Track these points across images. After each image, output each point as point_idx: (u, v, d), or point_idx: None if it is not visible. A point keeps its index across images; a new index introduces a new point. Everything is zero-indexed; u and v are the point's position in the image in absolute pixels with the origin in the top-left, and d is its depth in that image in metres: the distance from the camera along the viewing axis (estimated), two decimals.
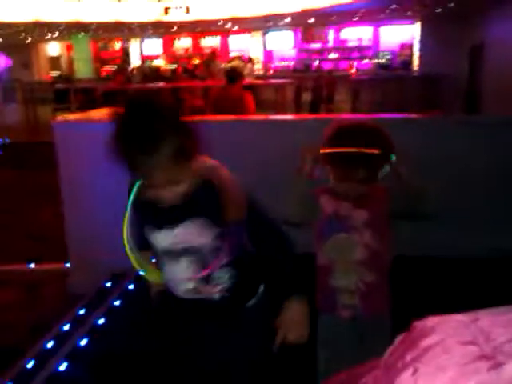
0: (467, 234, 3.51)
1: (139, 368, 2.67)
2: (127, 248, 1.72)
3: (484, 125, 3.99)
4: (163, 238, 1.73)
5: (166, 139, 1.52)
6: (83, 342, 2.97)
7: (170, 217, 1.69)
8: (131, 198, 1.75)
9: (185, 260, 1.72)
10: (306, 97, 14.79)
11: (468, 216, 3.66)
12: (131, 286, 3.67)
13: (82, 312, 3.37)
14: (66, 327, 3.17)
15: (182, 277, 1.75)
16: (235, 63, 15.06)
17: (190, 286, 1.76)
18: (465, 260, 3.52)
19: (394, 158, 1.97)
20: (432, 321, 0.78)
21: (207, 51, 22.88)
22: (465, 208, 3.64)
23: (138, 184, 1.74)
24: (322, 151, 2.01)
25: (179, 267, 1.74)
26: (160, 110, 1.60)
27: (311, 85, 14.90)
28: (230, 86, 6.61)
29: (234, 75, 6.76)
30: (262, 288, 1.89)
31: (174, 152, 1.53)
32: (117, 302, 3.45)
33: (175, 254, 1.73)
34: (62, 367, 2.74)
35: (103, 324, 3.19)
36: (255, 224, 1.73)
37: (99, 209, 4.09)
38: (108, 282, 3.85)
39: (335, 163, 2.01)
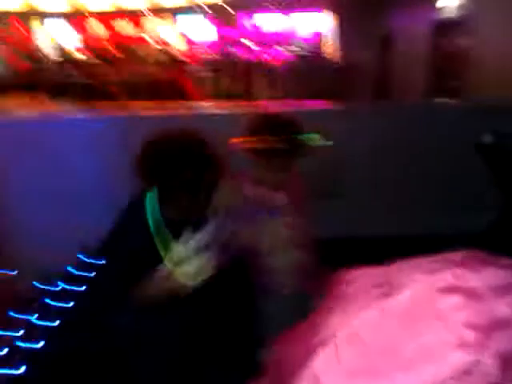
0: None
1: (95, 367, 2.69)
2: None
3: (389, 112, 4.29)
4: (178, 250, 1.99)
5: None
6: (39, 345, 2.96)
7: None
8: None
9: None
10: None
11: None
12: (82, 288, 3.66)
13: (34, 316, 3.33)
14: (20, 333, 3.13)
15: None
16: None
17: None
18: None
19: (311, 141, 2.15)
20: (354, 272, 1.10)
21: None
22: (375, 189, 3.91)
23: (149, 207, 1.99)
24: (245, 143, 2.15)
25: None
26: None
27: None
28: None
29: None
30: None
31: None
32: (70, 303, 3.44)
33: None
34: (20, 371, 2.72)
35: (57, 326, 3.17)
36: None
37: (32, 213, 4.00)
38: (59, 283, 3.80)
39: (258, 154, 2.16)
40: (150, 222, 1.94)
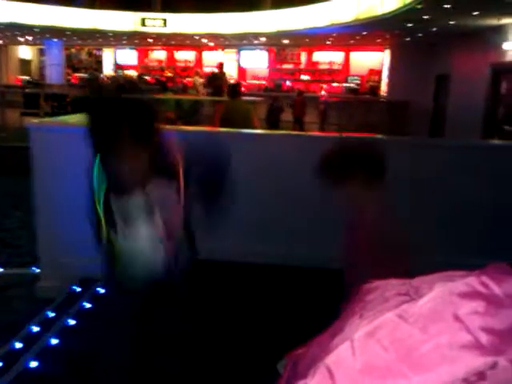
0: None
1: (110, 366, 2.74)
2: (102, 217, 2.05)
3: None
4: (135, 202, 2.01)
5: (124, 125, 1.84)
6: (54, 342, 3.02)
7: (139, 183, 1.99)
8: (95, 168, 2.08)
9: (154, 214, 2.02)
10: (286, 116, 14.95)
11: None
12: (101, 290, 3.73)
13: (51, 314, 3.41)
14: (36, 328, 3.21)
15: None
16: (195, 79, 15.33)
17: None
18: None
19: None
20: (376, 283, 1.06)
21: (181, 64, 23.15)
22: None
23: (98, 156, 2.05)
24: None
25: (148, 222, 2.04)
26: (120, 100, 1.96)
27: (289, 104, 15.15)
28: (235, 100, 7.03)
29: (236, 90, 7.35)
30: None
31: (132, 135, 1.85)
32: (87, 305, 3.51)
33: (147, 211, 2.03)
34: (32, 365, 2.79)
35: (74, 325, 3.24)
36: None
37: (70, 214, 4.14)
38: (77, 286, 3.90)
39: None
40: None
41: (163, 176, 2.00)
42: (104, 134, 1.89)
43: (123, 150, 1.89)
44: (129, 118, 1.89)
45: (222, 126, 6.47)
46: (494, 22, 10.05)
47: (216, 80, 12.42)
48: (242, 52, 22.00)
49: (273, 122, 13.97)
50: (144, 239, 2.06)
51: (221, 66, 12.52)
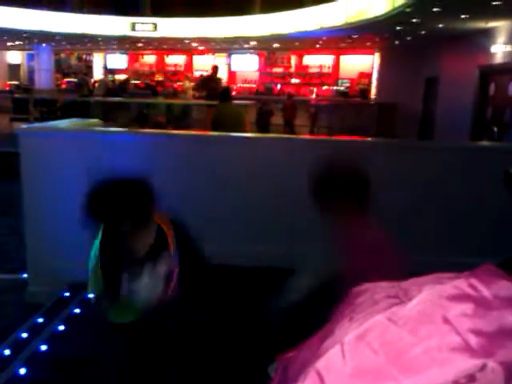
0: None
1: (100, 372, 2.72)
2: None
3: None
4: (143, 281, 2.16)
5: (125, 217, 2.06)
6: (43, 348, 2.99)
7: (142, 263, 2.17)
8: (97, 242, 2.24)
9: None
10: (276, 119, 14.97)
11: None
12: (90, 295, 3.69)
13: (40, 320, 3.38)
14: (25, 334, 3.17)
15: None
16: (184, 83, 15.32)
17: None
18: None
19: None
20: (365, 285, 1.08)
21: (171, 68, 23.13)
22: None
23: (102, 229, 2.24)
24: None
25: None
26: (120, 195, 2.09)
27: (279, 108, 15.19)
28: (226, 104, 7.05)
29: (227, 94, 7.41)
30: None
31: (133, 223, 2.09)
32: (76, 310, 3.47)
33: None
34: (21, 372, 2.75)
35: (63, 331, 3.21)
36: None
37: (60, 219, 4.11)
38: (66, 291, 3.87)
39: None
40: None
41: (160, 256, 2.19)
42: (105, 219, 2.12)
43: (124, 232, 2.12)
44: (128, 203, 2.08)
45: (213, 130, 6.47)
46: (481, 25, 10.14)
47: (210, 82, 12.38)
48: (233, 56, 22.02)
49: (263, 125, 13.99)
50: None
51: (215, 68, 12.47)
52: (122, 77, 21.91)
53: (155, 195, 2.20)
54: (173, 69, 23.35)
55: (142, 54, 23.85)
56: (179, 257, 2.25)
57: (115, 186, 2.13)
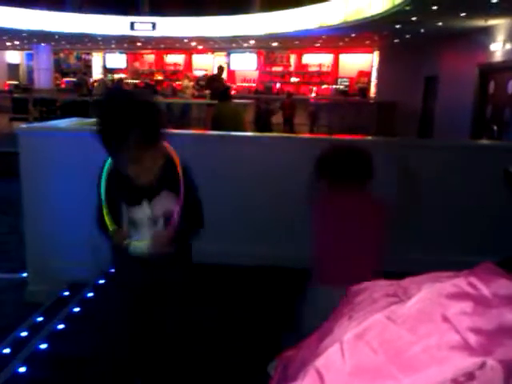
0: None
1: (99, 371, 2.72)
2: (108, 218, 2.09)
3: None
4: (142, 211, 2.13)
5: (135, 127, 1.90)
6: (42, 347, 2.99)
7: (148, 192, 2.11)
8: (104, 174, 2.11)
9: (157, 223, 2.14)
10: (276, 118, 14.95)
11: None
12: (90, 294, 3.70)
13: (39, 319, 3.38)
14: (24, 333, 3.17)
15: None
16: (184, 82, 15.28)
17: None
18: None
19: None
20: (364, 284, 1.06)
21: (170, 68, 23.11)
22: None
23: (108, 162, 2.11)
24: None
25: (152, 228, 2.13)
26: (131, 102, 1.98)
27: (277, 107, 15.15)
28: (226, 103, 7.06)
29: (226, 93, 7.48)
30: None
31: (142, 137, 1.94)
32: (76, 309, 3.47)
33: (152, 220, 2.14)
34: (21, 370, 2.76)
35: (62, 330, 3.21)
36: (188, 197, 2.13)
37: (59, 219, 4.11)
38: (66, 290, 3.87)
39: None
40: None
41: (168, 188, 2.11)
42: (115, 137, 1.94)
43: (134, 152, 1.96)
44: (140, 119, 1.94)
45: (213, 129, 6.48)
46: (481, 23, 10.13)
47: (214, 82, 12.37)
48: (232, 55, 22.00)
49: (261, 125, 13.99)
50: (147, 241, 2.14)
51: (220, 68, 12.51)
52: (121, 76, 21.92)
53: (165, 120, 2.12)
54: (172, 68, 23.35)
55: (142, 54, 23.82)
56: (183, 194, 2.11)
57: (129, 94, 2.11)
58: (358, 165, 2.35)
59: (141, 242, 2.15)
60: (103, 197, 2.12)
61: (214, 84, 12.25)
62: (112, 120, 1.94)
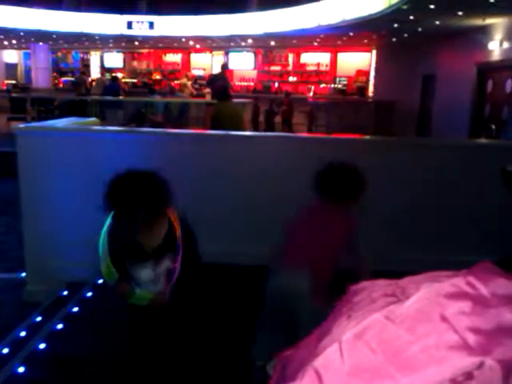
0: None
1: (98, 371, 2.72)
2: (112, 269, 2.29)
3: None
4: (146, 271, 2.32)
5: (142, 208, 2.13)
6: (41, 347, 2.99)
7: (153, 255, 2.31)
8: (106, 228, 2.30)
9: (159, 280, 2.34)
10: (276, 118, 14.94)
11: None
12: (89, 294, 3.70)
13: (38, 319, 3.38)
14: (23, 333, 3.17)
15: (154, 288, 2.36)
16: (183, 81, 15.26)
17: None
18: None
19: None
20: (363, 283, 1.08)
21: (169, 67, 23.08)
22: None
23: (108, 222, 2.28)
24: None
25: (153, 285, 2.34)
26: (136, 185, 2.16)
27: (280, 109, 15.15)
28: (224, 102, 7.07)
29: (225, 92, 7.44)
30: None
31: (149, 213, 2.19)
32: (75, 309, 3.47)
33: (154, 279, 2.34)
34: (20, 370, 2.75)
35: (61, 329, 3.21)
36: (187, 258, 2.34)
37: (57, 218, 4.11)
38: (65, 290, 3.87)
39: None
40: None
41: (170, 250, 2.31)
42: (124, 215, 2.18)
43: (142, 225, 2.22)
44: (145, 201, 2.15)
45: (212, 129, 6.47)
46: (478, 22, 10.13)
47: (217, 81, 12.34)
48: (230, 54, 21.98)
49: (267, 125, 14.02)
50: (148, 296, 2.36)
51: (223, 66, 12.44)
52: (118, 75, 21.85)
53: (170, 189, 2.26)
54: (170, 67, 23.31)
55: (140, 53, 23.78)
56: (182, 255, 2.32)
57: (134, 175, 2.21)
58: (342, 185, 2.60)
59: (141, 296, 2.36)
60: (106, 254, 2.32)
61: (218, 83, 12.25)
62: (120, 203, 2.16)
